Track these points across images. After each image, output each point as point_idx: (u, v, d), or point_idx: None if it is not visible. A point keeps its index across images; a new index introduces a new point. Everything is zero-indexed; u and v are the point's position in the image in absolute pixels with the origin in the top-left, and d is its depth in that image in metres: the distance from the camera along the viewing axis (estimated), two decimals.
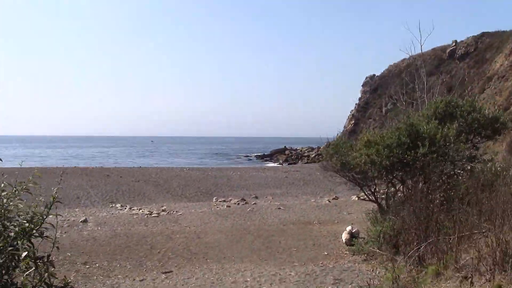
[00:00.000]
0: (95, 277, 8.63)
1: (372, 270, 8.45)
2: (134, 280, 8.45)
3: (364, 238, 11.01)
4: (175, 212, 17.44)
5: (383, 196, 11.84)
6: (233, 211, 17.19)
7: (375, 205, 11.70)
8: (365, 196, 12.30)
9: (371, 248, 9.31)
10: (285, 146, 74.86)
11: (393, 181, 11.43)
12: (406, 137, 9.58)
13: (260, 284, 7.99)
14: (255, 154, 77.19)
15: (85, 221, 14.86)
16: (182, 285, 8.11)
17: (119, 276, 8.69)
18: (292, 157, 61.90)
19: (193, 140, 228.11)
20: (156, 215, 16.50)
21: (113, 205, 19.12)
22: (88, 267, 9.30)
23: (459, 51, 53.47)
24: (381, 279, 7.55)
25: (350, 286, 7.67)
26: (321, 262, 9.48)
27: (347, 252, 10.33)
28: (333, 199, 20.85)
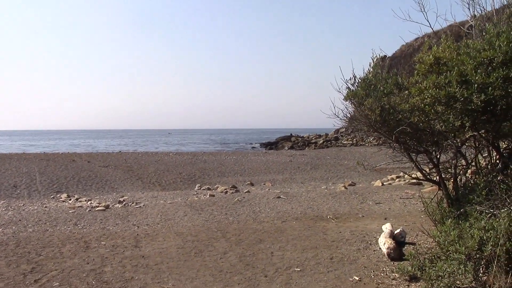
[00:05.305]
0: None
1: None
2: None
3: (416, 245, 6.33)
4: (134, 203, 12.64)
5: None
6: (215, 202, 12.31)
7: (428, 191, 6.76)
8: (415, 175, 7.39)
9: (461, 274, 4.34)
10: (291, 134, 69.52)
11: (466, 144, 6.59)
12: None
13: None
14: (260, 142, 71.89)
15: None
16: None
17: None
18: (298, 144, 56.62)
19: (207, 132, 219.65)
20: (103, 208, 11.68)
21: (58, 195, 14.31)
22: None
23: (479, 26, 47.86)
24: None
25: None
26: None
27: (396, 274, 5.44)
28: (350, 185, 15.90)
